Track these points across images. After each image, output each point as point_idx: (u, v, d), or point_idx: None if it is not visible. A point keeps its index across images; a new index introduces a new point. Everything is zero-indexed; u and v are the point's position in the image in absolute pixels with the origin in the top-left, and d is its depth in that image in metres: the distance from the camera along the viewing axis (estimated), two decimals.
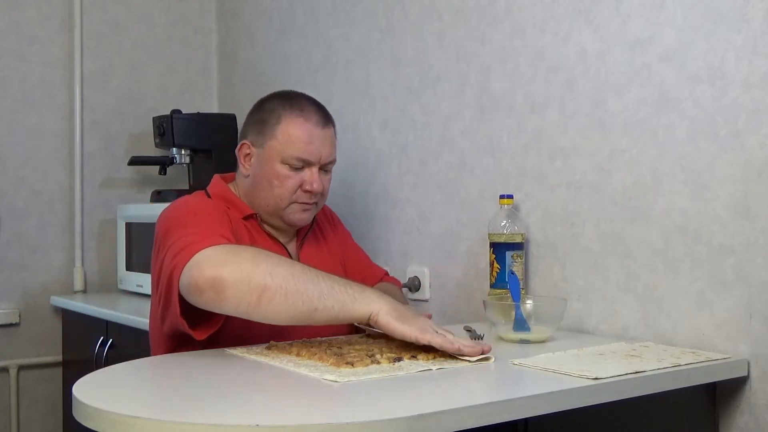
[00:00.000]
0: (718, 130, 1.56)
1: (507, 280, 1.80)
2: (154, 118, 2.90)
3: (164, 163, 2.87)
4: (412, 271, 2.23)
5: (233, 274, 1.38)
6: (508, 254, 1.84)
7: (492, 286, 1.86)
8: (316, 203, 1.76)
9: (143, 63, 3.08)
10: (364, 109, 2.43)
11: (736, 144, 1.53)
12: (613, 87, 1.74)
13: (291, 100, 1.75)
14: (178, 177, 3.03)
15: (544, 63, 1.89)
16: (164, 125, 2.80)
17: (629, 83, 1.71)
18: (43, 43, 2.89)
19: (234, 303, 1.39)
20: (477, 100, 2.06)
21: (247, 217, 1.74)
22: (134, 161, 2.84)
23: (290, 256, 1.75)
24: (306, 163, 1.71)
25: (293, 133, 1.70)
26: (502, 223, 1.86)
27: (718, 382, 1.52)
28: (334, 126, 1.79)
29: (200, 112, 2.90)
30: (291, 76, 2.73)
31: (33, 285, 2.87)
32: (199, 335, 1.47)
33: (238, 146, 1.77)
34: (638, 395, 1.31)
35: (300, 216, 1.74)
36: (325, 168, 1.75)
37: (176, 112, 2.83)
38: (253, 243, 1.68)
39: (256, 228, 1.74)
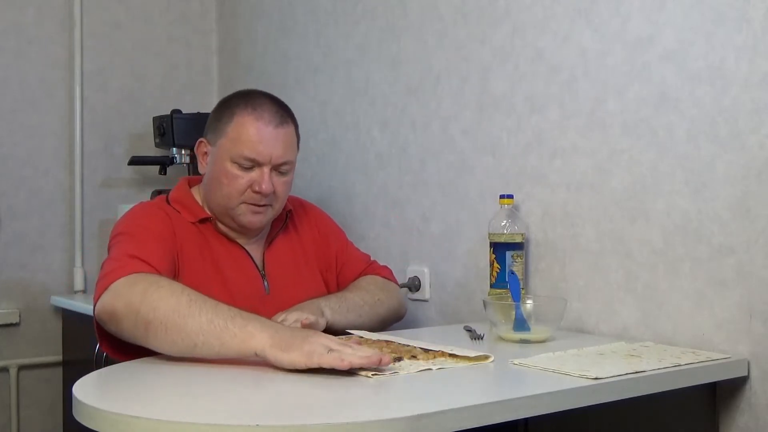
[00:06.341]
0: (718, 130, 1.56)
1: (507, 280, 1.80)
2: (154, 118, 2.89)
3: (164, 163, 2.86)
4: (412, 270, 2.23)
5: (124, 309, 1.43)
6: (508, 254, 1.84)
7: (492, 286, 1.86)
8: (270, 206, 1.70)
9: (143, 63, 3.07)
10: (364, 109, 2.43)
11: (736, 144, 1.53)
12: (613, 87, 1.74)
13: (247, 98, 1.71)
14: (178, 177, 3.03)
15: (544, 63, 1.89)
16: (164, 125, 2.80)
17: (629, 83, 1.71)
18: (43, 43, 2.89)
19: (129, 335, 1.45)
20: (477, 100, 2.06)
21: (202, 221, 1.71)
22: (134, 161, 2.84)
23: (250, 258, 1.72)
24: (255, 163, 1.66)
25: (242, 132, 1.66)
26: (502, 223, 1.86)
27: (718, 382, 1.52)
28: (294, 126, 1.73)
29: (200, 112, 2.89)
30: (291, 76, 2.73)
31: (33, 285, 2.86)
32: (121, 358, 1.52)
33: (197, 144, 1.75)
34: (638, 395, 1.32)
35: (250, 218, 1.69)
36: (279, 169, 1.69)
37: (176, 112, 2.82)
38: (207, 248, 1.68)
39: (211, 231, 1.71)
